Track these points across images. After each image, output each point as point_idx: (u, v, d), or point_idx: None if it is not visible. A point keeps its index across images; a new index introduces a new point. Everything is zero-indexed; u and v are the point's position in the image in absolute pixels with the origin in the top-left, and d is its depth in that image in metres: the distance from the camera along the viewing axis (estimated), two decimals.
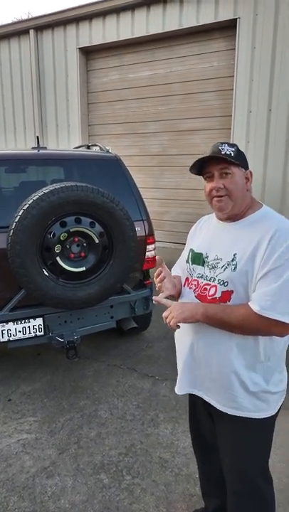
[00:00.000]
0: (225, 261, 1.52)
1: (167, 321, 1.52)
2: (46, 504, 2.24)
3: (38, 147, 3.96)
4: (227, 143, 1.53)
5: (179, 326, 1.51)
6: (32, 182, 3.76)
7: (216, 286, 1.52)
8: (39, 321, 3.23)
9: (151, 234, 3.73)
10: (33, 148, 3.95)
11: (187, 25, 6.39)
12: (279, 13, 5.56)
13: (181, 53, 6.78)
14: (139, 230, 3.50)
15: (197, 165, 1.55)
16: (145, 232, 3.64)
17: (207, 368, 1.57)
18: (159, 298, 1.59)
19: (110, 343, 4.18)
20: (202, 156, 1.52)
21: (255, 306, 1.40)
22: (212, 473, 1.91)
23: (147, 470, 2.49)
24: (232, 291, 1.48)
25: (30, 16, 10.31)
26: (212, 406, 1.62)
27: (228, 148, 1.50)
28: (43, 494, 2.31)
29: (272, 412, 1.58)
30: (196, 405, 1.80)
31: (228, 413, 1.56)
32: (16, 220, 2.87)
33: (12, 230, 2.88)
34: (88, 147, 4.64)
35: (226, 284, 1.49)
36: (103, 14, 7.19)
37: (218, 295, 1.51)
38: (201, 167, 1.56)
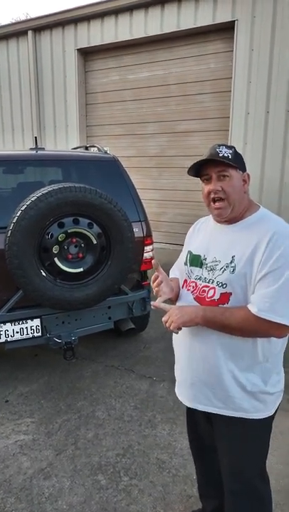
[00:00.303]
0: (223, 263, 1.52)
1: (167, 325, 1.52)
2: (43, 505, 2.24)
3: (36, 148, 3.97)
4: (225, 145, 1.53)
5: (180, 329, 1.52)
6: (30, 183, 3.75)
7: (214, 288, 1.53)
8: (37, 321, 3.23)
9: (149, 235, 3.74)
10: (31, 149, 3.95)
11: (185, 27, 6.40)
12: (277, 15, 5.58)
13: (180, 55, 6.79)
14: (137, 231, 3.51)
15: (195, 167, 1.56)
16: (143, 233, 3.65)
17: (205, 369, 1.57)
18: (157, 303, 1.59)
19: (108, 344, 4.18)
20: (200, 158, 1.53)
21: (253, 309, 1.40)
22: (210, 475, 1.91)
23: (145, 471, 2.49)
24: (230, 293, 1.48)
25: (29, 17, 10.30)
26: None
27: (226, 150, 1.51)
28: (41, 495, 2.31)
29: (270, 413, 1.58)
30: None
31: (226, 414, 1.57)
32: (14, 221, 2.86)
33: (10, 231, 2.87)
34: (86, 148, 4.64)
35: (224, 286, 1.50)
36: (101, 15, 7.19)
37: (216, 297, 1.51)
38: (199, 169, 1.56)
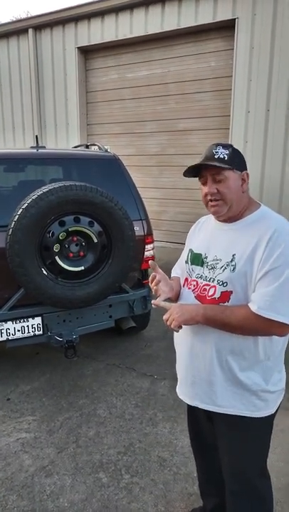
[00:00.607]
0: (224, 261, 1.52)
1: (168, 323, 1.52)
2: (45, 503, 2.25)
3: (37, 146, 3.97)
4: (222, 144, 1.52)
5: (181, 327, 1.52)
6: (31, 181, 3.76)
7: (215, 286, 1.53)
8: (38, 320, 3.24)
9: (149, 233, 3.74)
10: (32, 147, 3.96)
11: (185, 25, 6.40)
12: (277, 13, 5.58)
13: (180, 53, 6.79)
14: (138, 229, 3.51)
15: (190, 170, 1.56)
16: (144, 232, 3.65)
17: (206, 367, 1.57)
18: (157, 301, 1.59)
19: (109, 343, 4.19)
20: (197, 160, 1.53)
21: (254, 307, 1.41)
22: (210, 473, 1.92)
23: (146, 469, 2.49)
24: (231, 292, 1.49)
25: (29, 15, 10.29)
26: None
27: (223, 150, 1.50)
28: (42, 493, 2.32)
29: (271, 411, 1.58)
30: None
31: (227, 413, 1.57)
32: (15, 220, 2.87)
33: (11, 229, 2.88)
34: (87, 146, 4.64)
35: (225, 284, 1.50)
36: (102, 14, 7.19)
37: (217, 295, 1.51)
38: (196, 170, 1.57)
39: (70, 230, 3.01)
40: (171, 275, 1.83)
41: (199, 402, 1.63)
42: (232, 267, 1.49)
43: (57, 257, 3.01)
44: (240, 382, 1.53)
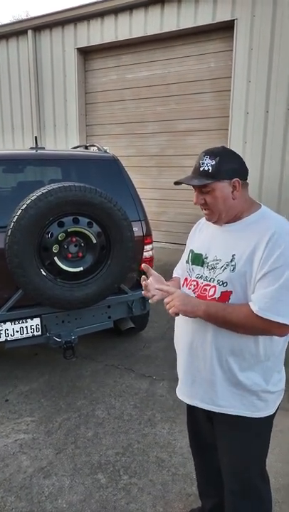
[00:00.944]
0: (224, 261, 1.52)
1: (167, 307, 1.52)
2: (43, 504, 2.24)
3: (36, 147, 3.97)
4: (210, 153, 1.50)
5: (178, 314, 1.52)
6: (30, 182, 3.76)
7: (215, 286, 1.53)
8: (36, 321, 3.23)
9: (148, 234, 3.74)
10: (31, 148, 3.96)
11: (185, 26, 6.41)
12: (276, 15, 5.59)
13: (179, 54, 6.80)
14: (137, 230, 3.51)
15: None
16: (143, 233, 3.65)
17: (206, 367, 1.57)
18: (160, 285, 1.59)
19: (108, 343, 4.18)
20: (179, 179, 1.57)
21: (254, 307, 1.41)
22: (209, 473, 1.92)
23: (144, 470, 2.49)
24: (231, 292, 1.49)
25: (29, 16, 10.30)
26: None
27: (208, 161, 1.49)
28: (40, 494, 2.31)
29: (271, 412, 1.58)
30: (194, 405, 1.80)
31: (227, 413, 1.57)
32: (14, 220, 2.87)
33: (10, 230, 2.88)
34: (86, 147, 4.64)
35: (225, 284, 1.50)
36: (101, 15, 7.20)
37: (217, 295, 1.51)
38: None
39: (69, 230, 3.01)
40: (173, 275, 1.84)
41: (199, 402, 1.63)
42: (232, 267, 1.49)
43: (56, 258, 3.01)
44: (240, 383, 1.53)
